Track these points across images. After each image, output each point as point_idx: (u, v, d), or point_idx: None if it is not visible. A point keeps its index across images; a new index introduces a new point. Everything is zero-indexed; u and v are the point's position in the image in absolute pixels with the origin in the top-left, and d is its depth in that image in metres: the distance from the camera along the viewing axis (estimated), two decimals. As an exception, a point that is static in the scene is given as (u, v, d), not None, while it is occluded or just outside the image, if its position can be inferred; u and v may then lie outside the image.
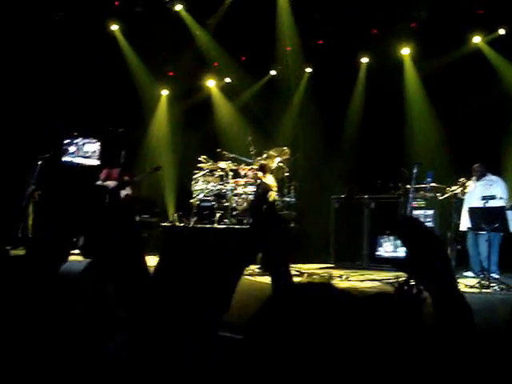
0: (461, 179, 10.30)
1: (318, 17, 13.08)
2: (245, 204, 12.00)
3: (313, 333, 1.08)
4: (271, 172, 11.03)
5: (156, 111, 15.85)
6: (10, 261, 2.54)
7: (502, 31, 12.20)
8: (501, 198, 9.50)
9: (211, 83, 15.68)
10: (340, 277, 9.91)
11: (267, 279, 8.36)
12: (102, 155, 14.04)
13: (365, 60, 14.14)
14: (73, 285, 2.28)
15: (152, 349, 1.68)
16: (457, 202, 10.43)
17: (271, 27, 13.38)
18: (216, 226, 12.02)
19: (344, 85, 13.79)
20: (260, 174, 10.94)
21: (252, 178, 11.90)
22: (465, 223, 10.04)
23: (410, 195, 9.81)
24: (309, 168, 13.61)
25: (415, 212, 10.50)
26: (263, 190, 10.61)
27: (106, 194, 11.48)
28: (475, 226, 9.48)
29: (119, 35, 14.19)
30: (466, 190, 10.25)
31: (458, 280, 9.00)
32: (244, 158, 12.41)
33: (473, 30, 12.43)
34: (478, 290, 8.40)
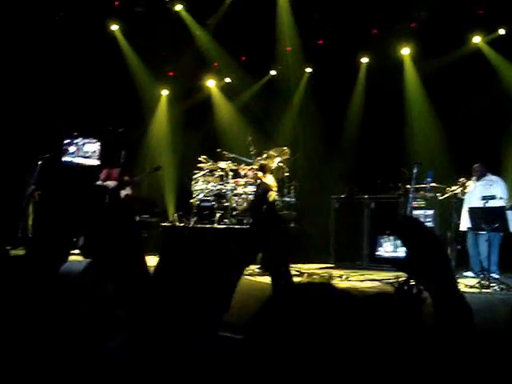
0: (461, 179, 10.30)
1: (317, 17, 13.08)
2: (245, 204, 12.00)
3: (313, 333, 1.08)
4: (271, 172, 11.03)
5: (156, 111, 15.85)
6: (10, 261, 2.54)
7: (501, 31, 12.20)
8: (501, 198, 9.50)
9: (211, 83, 15.68)
10: (340, 277, 9.91)
11: (267, 279, 8.36)
12: (102, 155, 14.04)
13: (365, 60, 14.14)
14: (73, 285, 2.28)
15: (152, 349, 1.68)
16: (457, 202, 10.43)
17: (271, 27, 13.39)
18: (216, 226, 12.02)
19: (344, 85, 13.79)
20: (260, 173, 10.94)
21: (252, 178, 11.90)
22: (465, 223, 10.03)
23: (410, 195, 9.81)
24: (309, 168, 13.61)
25: (415, 212, 10.50)
26: (263, 189, 10.60)
27: (106, 193, 11.47)
28: (475, 226, 9.48)
29: (119, 35, 14.19)
30: (466, 190, 10.25)
31: (458, 280, 9.00)
32: (244, 158, 12.41)
33: (473, 30, 12.43)
34: (478, 290, 8.40)
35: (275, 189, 10.75)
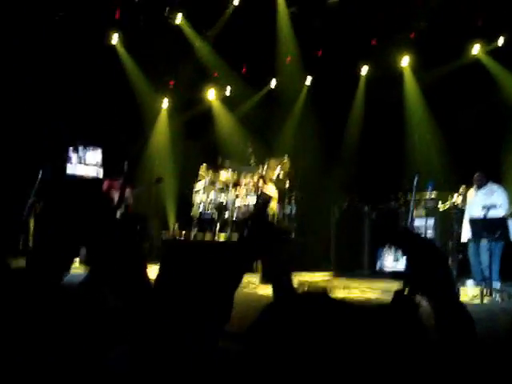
0: (461, 188, 10.28)
1: (317, 28, 13.13)
2: (245, 215, 12.00)
3: (311, 342, 1.08)
4: (272, 182, 11.04)
5: (156, 122, 15.85)
6: (11, 273, 2.54)
7: (500, 41, 12.25)
8: (500, 206, 9.50)
9: (211, 94, 15.70)
10: (340, 287, 9.88)
11: (268, 290, 8.33)
12: (105, 166, 14.06)
13: (364, 70, 14.18)
14: (73, 296, 2.28)
15: (153, 361, 1.68)
16: (457, 212, 10.41)
17: (271, 38, 13.44)
18: (216, 236, 12.01)
19: (344, 95, 13.82)
20: (261, 183, 10.95)
21: (252, 189, 11.91)
22: (466, 233, 10.02)
23: (411, 205, 9.80)
24: (309, 178, 13.61)
25: (416, 221, 10.48)
26: (264, 199, 10.61)
27: (108, 205, 11.45)
28: (476, 236, 9.47)
29: (120, 47, 14.24)
30: (466, 200, 10.23)
31: (460, 289, 8.99)
32: (244, 169, 12.41)
33: (472, 40, 12.48)
34: (479, 300, 8.37)
35: (276, 199, 10.76)
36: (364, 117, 13.89)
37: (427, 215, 10.69)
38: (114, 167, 12.09)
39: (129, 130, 14.08)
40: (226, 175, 12.39)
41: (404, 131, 13.18)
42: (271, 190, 10.69)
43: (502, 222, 9.10)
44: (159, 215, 14.86)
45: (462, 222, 10.25)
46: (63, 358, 1.91)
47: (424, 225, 10.57)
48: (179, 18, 13.71)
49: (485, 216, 9.18)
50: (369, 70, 14.09)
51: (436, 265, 1.52)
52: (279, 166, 11.58)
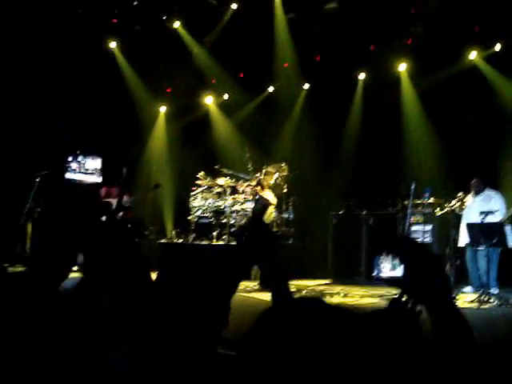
0: (459, 194, 10.30)
1: (315, 33, 13.15)
2: (243, 221, 12.00)
3: (306, 348, 1.08)
4: (269, 188, 11.04)
5: (154, 128, 15.86)
6: (7, 277, 2.53)
7: (497, 47, 12.28)
8: (497, 211, 9.51)
9: (209, 100, 15.72)
10: (338, 293, 9.88)
11: (265, 296, 8.34)
12: (103, 172, 14.07)
13: (362, 76, 14.21)
14: (69, 300, 2.28)
15: (152, 361, 1.68)
16: (455, 217, 10.43)
17: (269, 44, 13.46)
18: (214, 242, 12.01)
19: (341, 101, 13.84)
20: (258, 188, 10.94)
21: (250, 195, 11.91)
22: (463, 239, 10.03)
23: (408, 211, 9.80)
24: (307, 184, 13.61)
25: (413, 228, 10.49)
26: (262, 204, 10.61)
27: (107, 211, 11.43)
28: (474, 242, 9.49)
29: (118, 52, 14.26)
30: (464, 206, 10.25)
31: (458, 295, 8.99)
32: (242, 175, 12.41)
33: (469, 46, 12.51)
34: (477, 306, 8.36)
35: (274, 204, 10.76)
36: (362, 122, 13.90)
37: (425, 221, 10.68)
38: (112, 173, 12.07)
39: (127, 135, 14.08)
40: (223, 180, 12.39)
41: (401, 137, 13.19)
42: (269, 196, 10.69)
43: (499, 227, 9.12)
44: (157, 220, 14.85)
45: (459, 227, 10.27)
46: (63, 359, 1.91)
47: (421, 231, 10.57)
48: (177, 24, 13.74)
49: (482, 222, 9.19)
50: (366, 75, 14.11)
51: (433, 272, 1.52)
52: (277, 173, 11.58)
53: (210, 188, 12.73)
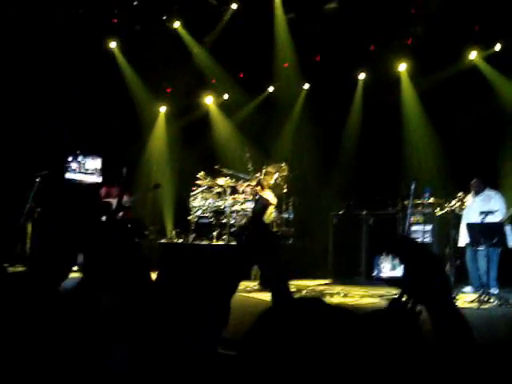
0: (459, 194, 10.30)
1: (315, 33, 13.16)
2: (243, 221, 12.01)
3: (306, 348, 1.08)
4: (270, 188, 11.04)
5: (154, 128, 15.86)
6: (7, 277, 2.53)
7: (497, 47, 12.28)
8: (497, 211, 9.51)
9: (209, 100, 15.71)
10: (338, 293, 9.89)
11: (264, 296, 8.34)
12: (103, 172, 14.08)
13: (362, 76, 14.20)
14: (69, 300, 2.28)
15: (152, 361, 1.68)
16: (455, 217, 10.43)
17: (269, 44, 13.46)
18: (214, 242, 12.01)
19: (341, 101, 13.84)
20: (258, 188, 10.94)
21: (250, 195, 11.91)
22: (463, 239, 10.03)
23: (408, 211, 9.80)
24: (307, 184, 13.61)
25: (414, 228, 10.49)
26: (262, 204, 10.61)
27: (107, 211, 11.43)
28: (474, 242, 9.49)
29: (118, 52, 14.26)
30: (464, 206, 10.25)
31: (458, 295, 9.00)
32: (242, 175, 12.41)
33: (469, 46, 12.51)
34: (477, 306, 8.36)
35: (274, 205, 10.76)
36: (362, 122, 13.90)
37: (425, 221, 10.68)
38: (112, 173, 12.08)
39: (127, 135, 14.08)
40: (223, 180, 12.40)
41: (401, 137, 13.19)
42: (269, 196, 10.68)
43: (499, 227, 9.12)
44: (157, 220, 14.85)
45: (459, 227, 10.27)
46: (63, 359, 1.91)
47: (421, 231, 10.57)
48: (177, 24, 13.75)
49: (482, 222, 9.19)
50: (366, 75, 14.11)
51: (433, 272, 1.52)
52: (277, 173, 11.58)
53: (209, 188, 12.73)
